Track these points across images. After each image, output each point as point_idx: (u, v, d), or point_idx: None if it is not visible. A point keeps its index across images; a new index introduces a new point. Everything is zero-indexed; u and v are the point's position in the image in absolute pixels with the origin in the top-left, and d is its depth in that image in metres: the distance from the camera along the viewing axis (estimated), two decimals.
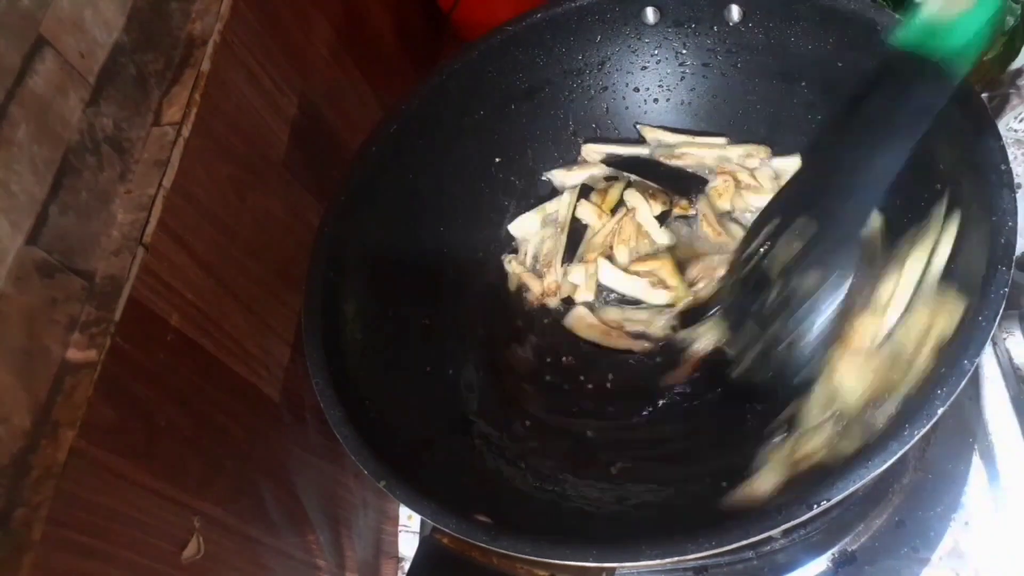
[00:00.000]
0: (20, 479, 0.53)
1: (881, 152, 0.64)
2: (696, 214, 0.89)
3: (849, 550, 0.75)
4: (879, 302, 0.67)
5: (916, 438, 0.53)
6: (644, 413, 0.79)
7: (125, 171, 0.67)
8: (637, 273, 0.86)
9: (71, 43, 0.63)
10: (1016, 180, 0.82)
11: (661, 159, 0.92)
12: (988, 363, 0.82)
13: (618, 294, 0.88)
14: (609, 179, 0.93)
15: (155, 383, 0.63)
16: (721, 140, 0.91)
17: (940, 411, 0.54)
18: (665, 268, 0.85)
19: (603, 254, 0.89)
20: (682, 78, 0.91)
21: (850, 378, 0.66)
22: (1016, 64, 0.92)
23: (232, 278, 0.74)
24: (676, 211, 0.89)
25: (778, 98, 0.86)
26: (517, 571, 0.61)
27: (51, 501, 0.52)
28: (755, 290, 0.72)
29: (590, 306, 0.88)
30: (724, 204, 0.88)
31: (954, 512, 0.76)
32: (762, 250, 0.71)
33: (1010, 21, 0.83)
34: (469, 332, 0.88)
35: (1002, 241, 0.58)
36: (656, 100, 0.93)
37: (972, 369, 0.54)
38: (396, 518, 0.96)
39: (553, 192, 0.95)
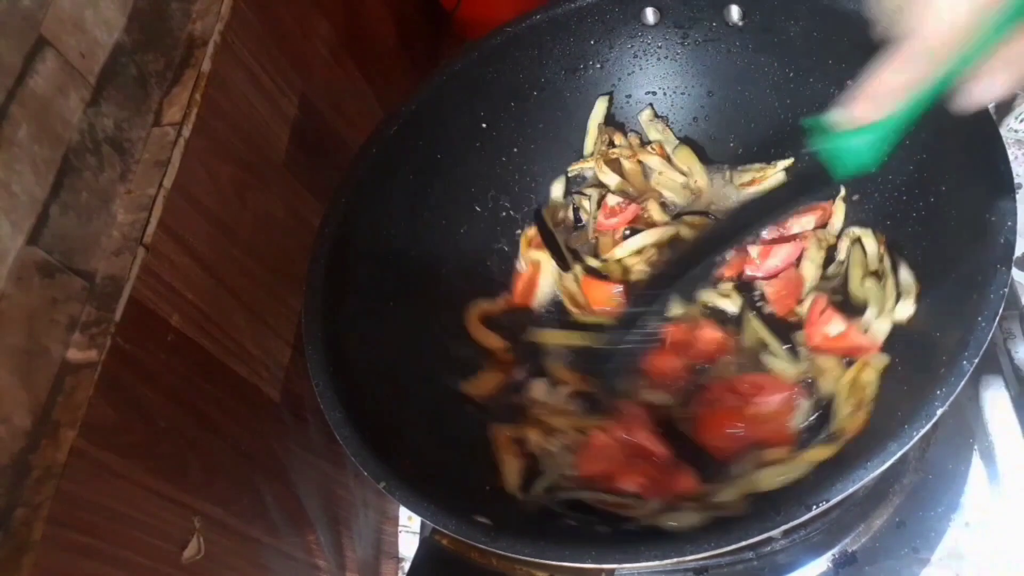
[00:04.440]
0: (20, 479, 0.53)
1: None
2: None
3: (849, 550, 0.75)
4: None
5: (916, 438, 0.53)
6: None
7: (125, 171, 0.67)
8: None
9: (72, 43, 0.63)
10: (1016, 180, 0.82)
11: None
12: (988, 363, 0.82)
13: None
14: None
15: (155, 383, 0.63)
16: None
17: (939, 411, 0.54)
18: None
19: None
20: (682, 79, 0.91)
21: None
22: None
23: (232, 278, 0.74)
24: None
25: (778, 99, 0.86)
26: (516, 572, 0.61)
27: (51, 501, 0.52)
28: None
29: None
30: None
31: (954, 512, 0.76)
32: None
33: None
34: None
35: (1002, 241, 0.58)
36: (656, 101, 0.93)
37: (971, 369, 0.54)
38: (396, 518, 0.96)
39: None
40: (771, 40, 0.82)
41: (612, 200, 0.90)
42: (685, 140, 0.93)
